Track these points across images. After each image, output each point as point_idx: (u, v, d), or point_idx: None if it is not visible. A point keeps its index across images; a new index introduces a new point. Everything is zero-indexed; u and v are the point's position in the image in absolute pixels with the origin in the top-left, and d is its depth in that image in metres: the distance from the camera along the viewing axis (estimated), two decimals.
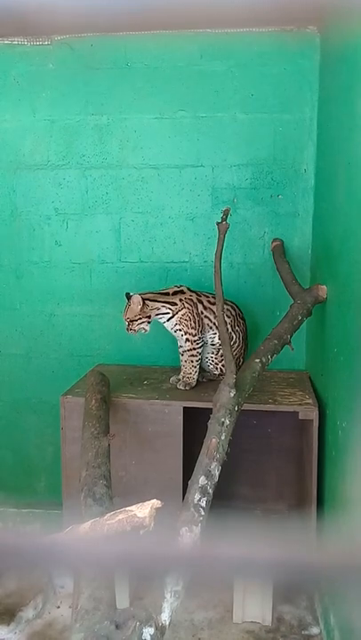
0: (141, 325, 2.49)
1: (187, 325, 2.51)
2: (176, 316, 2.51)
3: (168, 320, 2.52)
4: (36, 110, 2.82)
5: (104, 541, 0.43)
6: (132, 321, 2.48)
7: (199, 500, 1.59)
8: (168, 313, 2.51)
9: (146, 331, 2.50)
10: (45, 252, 2.91)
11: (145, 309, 2.48)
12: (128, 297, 2.50)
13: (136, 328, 2.49)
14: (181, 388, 2.53)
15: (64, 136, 2.83)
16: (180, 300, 2.53)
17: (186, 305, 2.52)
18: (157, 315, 2.51)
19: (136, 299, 2.47)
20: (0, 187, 2.89)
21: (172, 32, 2.63)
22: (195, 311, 2.53)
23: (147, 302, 2.49)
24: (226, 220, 2.09)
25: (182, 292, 2.55)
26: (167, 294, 2.54)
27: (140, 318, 2.48)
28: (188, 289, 2.57)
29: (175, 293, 2.54)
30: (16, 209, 2.90)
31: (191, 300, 2.54)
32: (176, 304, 2.52)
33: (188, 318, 2.51)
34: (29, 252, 2.92)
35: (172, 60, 2.72)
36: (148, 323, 2.50)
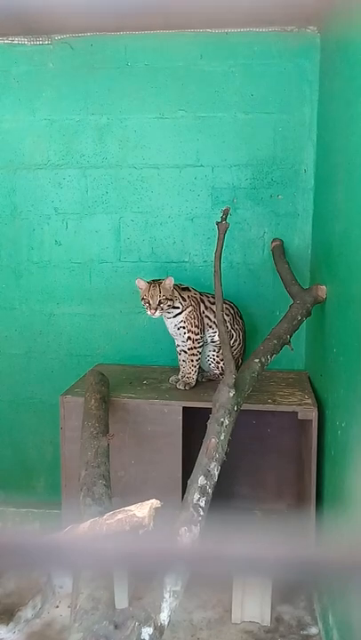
0: (167, 307, 2.44)
1: (191, 324, 2.50)
2: (184, 313, 2.50)
3: (175, 316, 2.50)
4: (35, 110, 2.82)
5: (104, 539, 0.43)
6: (167, 299, 2.42)
7: (198, 499, 1.59)
8: (178, 308, 2.49)
9: (157, 315, 2.44)
10: (45, 252, 2.91)
11: (171, 293, 2.46)
12: (151, 282, 2.45)
13: (166, 307, 2.43)
14: (181, 387, 2.52)
15: (64, 136, 2.83)
16: (188, 297, 2.53)
17: (192, 303, 2.52)
18: (172, 307, 2.47)
19: (170, 279, 2.44)
20: (0, 186, 2.89)
21: (173, 32, 2.63)
22: (198, 310, 2.53)
23: (173, 288, 2.47)
24: (225, 219, 2.09)
25: (188, 290, 2.55)
26: (180, 287, 2.53)
27: (171, 299, 2.45)
28: (193, 288, 2.57)
29: (183, 290, 2.54)
30: (16, 209, 2.89)
31: (196, 298, 2.54)
32: (186, 300, 2.51)
33: (193, 316, 2.51)
34: (29, 251, 2.92)
35: (172, 60, 2.72)
36: (170, 307, 2.46)
